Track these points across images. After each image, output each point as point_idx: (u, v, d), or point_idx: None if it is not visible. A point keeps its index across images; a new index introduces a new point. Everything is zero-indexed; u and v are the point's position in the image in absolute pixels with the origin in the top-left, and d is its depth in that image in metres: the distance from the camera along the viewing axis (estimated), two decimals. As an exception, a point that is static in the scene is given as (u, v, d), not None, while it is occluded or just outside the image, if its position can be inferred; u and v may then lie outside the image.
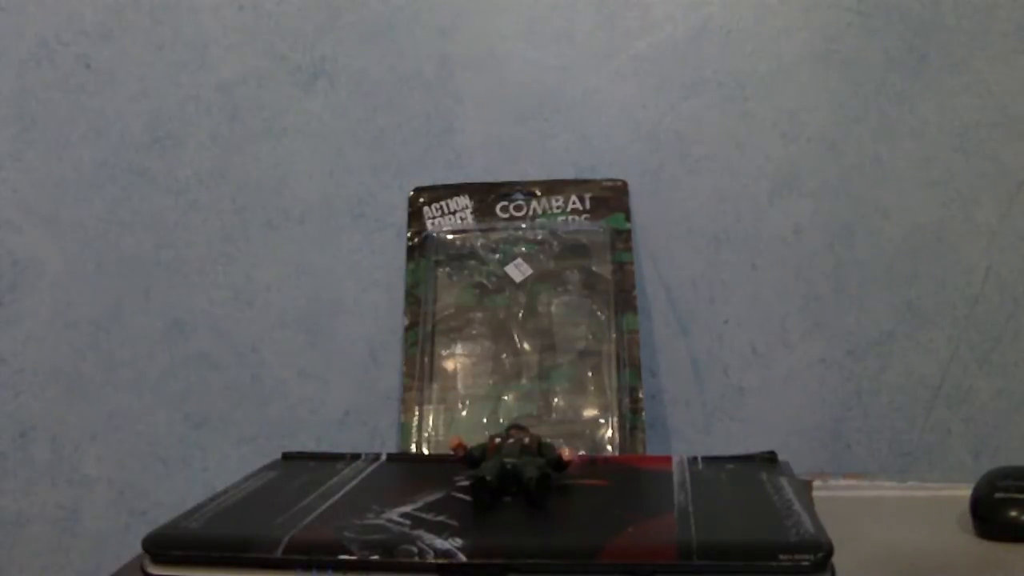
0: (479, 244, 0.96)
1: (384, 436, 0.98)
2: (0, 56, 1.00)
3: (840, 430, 0.95)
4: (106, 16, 0.99)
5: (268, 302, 1.00)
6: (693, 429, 0.97)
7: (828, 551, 0.57)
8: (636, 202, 0.96)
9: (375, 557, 0.59)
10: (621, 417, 0.88)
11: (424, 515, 0.66)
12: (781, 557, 0.57)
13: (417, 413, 0.91)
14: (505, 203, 0.97)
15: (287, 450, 0.90)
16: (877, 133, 0.95)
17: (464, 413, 0.91)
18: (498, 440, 0.73)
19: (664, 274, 0.97)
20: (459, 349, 0.93)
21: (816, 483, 0.89)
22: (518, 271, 0.94)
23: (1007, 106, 0.94)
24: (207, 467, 1.00)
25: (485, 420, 0.90)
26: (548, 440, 0.75)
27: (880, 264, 0.96)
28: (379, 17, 0.98)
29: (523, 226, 0.96)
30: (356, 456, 0.85)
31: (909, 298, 0.95)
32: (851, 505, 0.84)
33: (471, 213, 0.96)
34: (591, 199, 0.95)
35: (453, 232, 0.96)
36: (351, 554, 0.60)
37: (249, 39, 0.99)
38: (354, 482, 0.76)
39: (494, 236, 0.96)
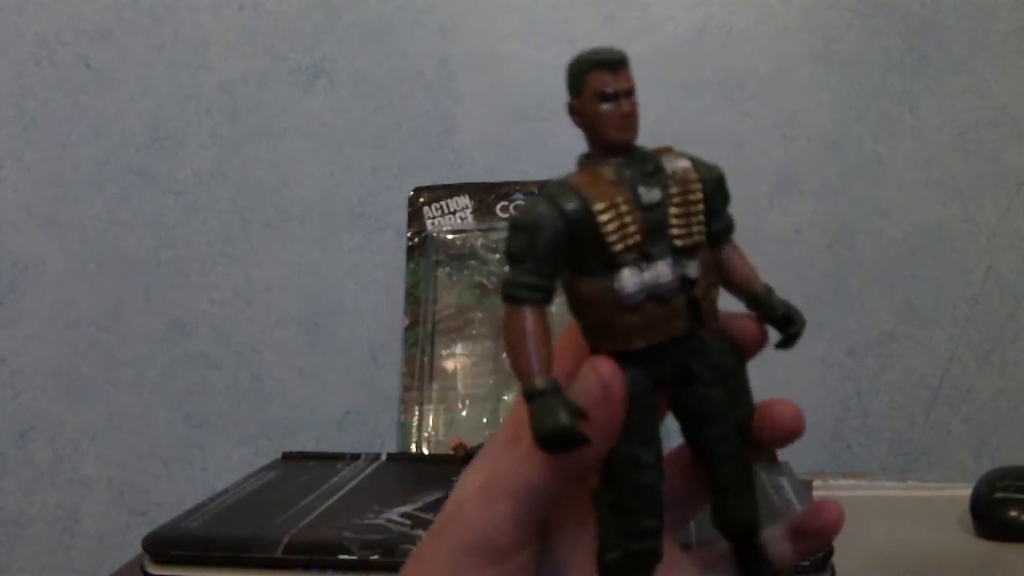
0: (479, 244, 0.96)
1: (384, 436, 0.98)
2: (0, 56, 1.00)
3: (840, 430, 0.95)
4: (106, 16, 0.99)
5: (268, 302, 1.00)
6: (693, 429, 0.96)
7: (828, 551, 0.57)
8: (636, 202, 0.96)
9: (375, 557, 0.59)
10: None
11: (424, 515, 0.66)
12: (781, 557, 0.57)
13: (417, 413, 0.91)
14: (505, 203, 0.97)
15: (287, 450, 0.90)
16: (877, 133, 0.95)
17: (464, 413, 0.91)
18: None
19: (664, 274, 0.97)
20: (459, 349, 0.93)
21: (816, 483, 0.89)
22: (518, 271, 0.94)
23: (1007, 106, 0.94)
24: (207, 467, 1.00)
25: (485, 420, 0.90)
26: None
27: (880, 264, 0.96)
28: (379, 17, 0.98)
29: (523, 226, 0.96)
30: (356, 456, 0.85)
31: (909, 298, 0.95)
32: (851, 505, 0.84)
33: (471, 213, 0.96)
34: (591, 199, 0.95)
35: (453, 232, 0.96)
36: (351, 554, 0.60)
37: (249, 39, 0.99)
38: (354, 482, 0.76)
39: (494, 236, 0.96)
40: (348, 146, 0.99)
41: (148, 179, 1.00)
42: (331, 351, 0.99)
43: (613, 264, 0.32)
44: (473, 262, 0.95)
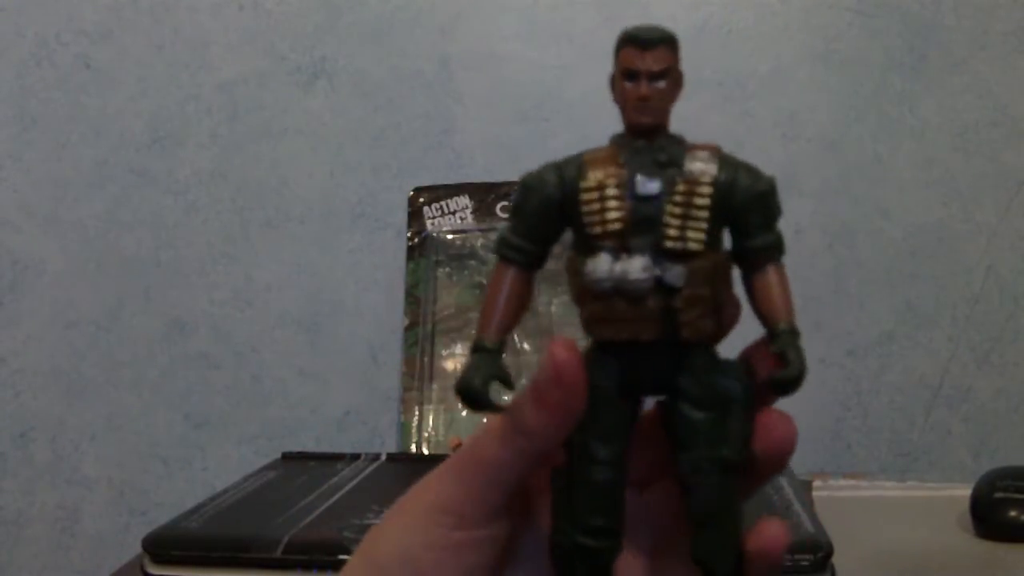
0: (479, 244, 0.96)
1: (384, 436, 0.98)
2: (0, 56, 1.00)
3: (840, 430, 0.95)
4: (106, 16, 0.99)
5: (268, 302, 1.00)
6: (693, 429, 0.96)
7: (828, 551, 0.58)
8: (636, 202, 0.96)
9: (375, 557, 0.59)
10: (621, 417, 0.88)
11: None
12: (781, 557, 0.57)
13: (417, 413, 0.91)
14: (505, 203, 0.97)
15: (287, 450, 0.90)
16: (877, 133, 0.95)
17: (464, 413, 0.91)
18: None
19: (664, 274, 0.97)
20: (459, 349, 0.93)
21: (816, 483, 0.89)
22: (518, 271, 0.94)
23: (1007, 106, 0.94)
24: (207, 467, 1.00)
25: (485, 420, 0.90)
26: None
27: (880, 264, 0.96)
28: (379, 17, 0.98)
29: (523, 226, 0.96)
30: (356, 456, 0.85)
31: (909, 298, 0.95)
32: (851, 505, 0.84)
33: (471, 213, 0.96)
34: (591, 199, 0.95)
35: (453, 232, 0.96)
36: (351, 554, 0.60)
37: (249, 39, 0.99)
38: (354, 482, 0.76)
39: (494, 236, 0.96)
40: (348, 146, 0.99)
41: (148, 179, 1.00)
42: (331, 351, 0.99)
43: (591, 246, 0.31)
44: (473, 262, 0.95)
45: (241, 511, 0.69)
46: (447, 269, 0.96)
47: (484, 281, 0.95)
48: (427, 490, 0.35)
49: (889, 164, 0.95)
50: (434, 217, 0.97)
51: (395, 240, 0.98)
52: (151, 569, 0.62)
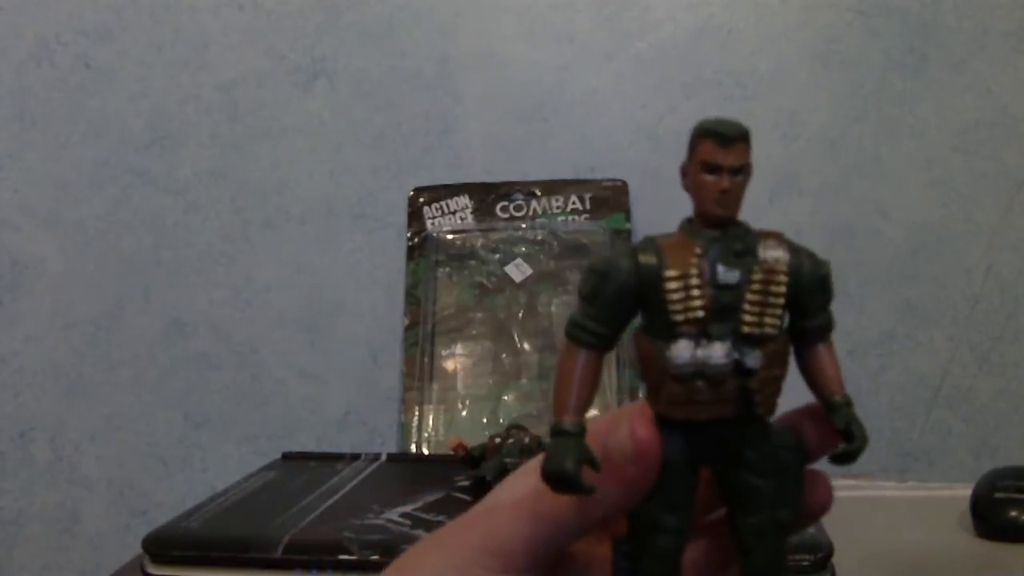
0: (479, 244, 0.96)
1: (384, 436, 0.98)
2: (0, 56, 1.00)
3: (840, 430, 0.95)
4: (106, 16, 0.99)
5: (268, 302, 1.00)
6: (693, 429, 0.96)
7: (828, 551, 0.58)
8: (636, 202, 0.96)
9: (375, 557, 0.59)
10: (621, 417, 0.88)
11: (424, 515, 0.66)
12: (781, 557, 0.57)
13: (417, 413, 0.91)
14: (505, 203, 0.97)
15: (287, 450, 0.90)
16: (877, 133, 0.95)
17: (464, 413, 0.91)
18: (498, 440, 0.73)
19: (664, 274, 0.97)
20: (459, 349, 0.93)
21: (816, 483, 0.88)
22: (518, 271, 0.94)
23: (1007, 106, 0.94)
24: (207, 467, 1.00)
25: (485, 420, 0.90)
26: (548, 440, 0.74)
27: (880, 264, 0.96)
28: (379, 17, 0.98)
29: (523, 226, 0.96)
30: (356, 456, 0.85)
31: (909, 298, 0.95)
32: (851, 505, 0.84)
33: (471, 213, 0.96)
34: (591, 199, 0.95)
35: (453, 232, 0.96)
36: (351, 554, 0.60)
37: (249, 39, 0.99)
38: (354, 482, 0.76)
39: (494, 236, 0.96)
40: (348, 146, 0.99)
41: (148, 179, 1.00)
42: (331, 351, 0.99)
43: (672, 332, 0.32)
44: (473, 262, 0.95)
45: (241, 511, 0.69)
46: (447, 269, 0.96)
47: (484, 281, 0.95)
48: (473, 528, 0.35)
49: (889, 164, 0.95)
50: (434, 217, 0.97)
51: (395, 240, 0.98)
52: (151, 569, 0.62)
